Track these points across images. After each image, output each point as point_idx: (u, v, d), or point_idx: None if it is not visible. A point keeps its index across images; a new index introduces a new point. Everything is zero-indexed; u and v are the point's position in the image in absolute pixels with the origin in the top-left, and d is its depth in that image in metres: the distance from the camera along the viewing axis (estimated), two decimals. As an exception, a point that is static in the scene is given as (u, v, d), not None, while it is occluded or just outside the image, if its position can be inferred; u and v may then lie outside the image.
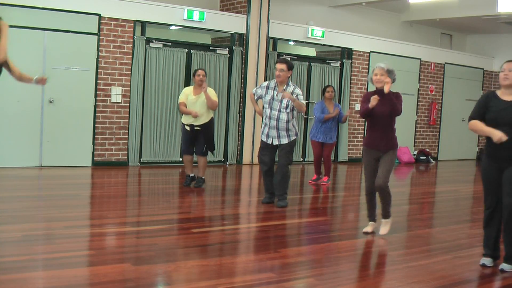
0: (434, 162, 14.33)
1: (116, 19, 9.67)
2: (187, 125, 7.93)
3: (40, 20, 8.98)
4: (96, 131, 9.65)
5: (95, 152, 9.68)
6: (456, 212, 7.62)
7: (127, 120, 9.92)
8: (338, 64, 12.67)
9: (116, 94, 9.78)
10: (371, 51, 13.09)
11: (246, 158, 11.37)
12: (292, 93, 6.89)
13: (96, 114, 9.63)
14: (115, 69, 9.73)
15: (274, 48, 11.73)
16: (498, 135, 4.41)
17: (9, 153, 8.92)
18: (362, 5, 13.05)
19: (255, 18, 11.11)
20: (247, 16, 11.04)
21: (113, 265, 4.32)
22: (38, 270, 4.20)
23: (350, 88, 12.82)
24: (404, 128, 13.28)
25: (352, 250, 5.32)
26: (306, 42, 12.23)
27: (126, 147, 9.99)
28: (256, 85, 11.10)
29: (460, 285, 4.36)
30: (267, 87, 7.08)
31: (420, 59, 14.11)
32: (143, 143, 10.18)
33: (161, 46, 10.20)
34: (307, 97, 12.16)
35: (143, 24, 10.02)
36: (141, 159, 10.19)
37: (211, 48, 11.00)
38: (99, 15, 9.49)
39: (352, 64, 12.84)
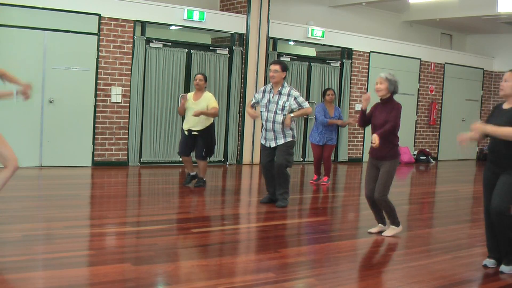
0: (434, 162, 14.33)
1: (116, 19, 9.67)
2: (186, 130, 7.95)
3: (40, 20, 8.98)
4: (96, 131, 9.65)
5: (95, 152, 9.69)
6: (456, 212, 7.62)
7: (127, 120, 9.92)
8: (338, 64, 12.66)
9: (116, 94, 9.78)
10: (371, 51, 13.09)
11: (246, 158, 11.37)
12: (289, 94, 6.88)
13: (96, 114, 9.63)
14: (115, 69, 9.74)
15: (274, 48, 11.73)
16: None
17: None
18: (362, 5, 13.06)
19: (255, 18, 11.11)
20: (247, 16, 11.04)
21: (113, 265, 4.32)
22: (38, 270, 4.20)
23: (350, 88, 12.81)
24: (404, 128, 13.22)
25: (352, 250, 5.32)
26: (306, 42, 12.23)
27: (126, 147, 9.99)
28: (256, 86, 11.14)
29: (460, 285, 4.36)
30: (264, 91, 7.10)
31: (420, 59, 14.11)
32: (143, 143, 10.18)
33: (161, 46, 10.20)
34: (307, 98, 12.15)
35: (143, 24, 10.02)
36: (141, 159, 10.19)
37: (211, 48, 11.00)
38: (99, 15, 9.49)
39: (352, 64, 12.83)
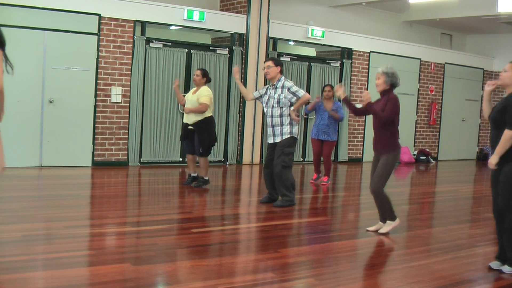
0: (434, 162, 14.33)
1: (116, 19, 9.67)
2: (184, 123, 8.00)
3: (40, 20, 8.99)
4: (96, 131, 9.65)
5: (95, 152, 9.69)
6: (456, 212, 7.62)
7: (127, 120, 9.92)
8: (338, 64, 12.67)
9: (116, 94, 9.78)
10: (371, 51, 13.09)
11: (246, 158, 11.36)
12: (282, 86, 6.91)
13: (96, 114, 9.63)
14: (115, 69, 9.74)
15: (274, 48, 11.73)
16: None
17: (9, 153, 8.83)
18: (362, 5, 13.06)
19: (255, 18, 11.11)
20: (247, 16, 11.04)
21: (113, 265, 4.32)
22: (38, 270, 4.20)
23: (350, 88, 12.81)
24: (404, 128, 13.27)
25: (352, 250, 5.32)
26: (306, 42, 12.23)
27: (126, 147, 9.99)
28: (256, 86, 11.15)
29: (460, 285, 4.36)
30: (267, 88, 7.14)
31: (420, 59, 14.12)
32: (143, 143, 10.18)
33: (161, 46, 10.20)
34: (307, 97, 12.14)
35: (143, 24, 10.02)
36: (141, 159, 10.19)
37: (211, 48, 11.00)
38: (99, 15, 9.49)
39: (352, 64, 12.84)
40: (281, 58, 11.69)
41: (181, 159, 10.50)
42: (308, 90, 12.20)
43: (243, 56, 11.13)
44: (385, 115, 5.55)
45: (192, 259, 4.69)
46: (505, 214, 4.45)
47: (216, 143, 8.27)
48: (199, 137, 7.82)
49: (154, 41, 10.15)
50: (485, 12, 12.38)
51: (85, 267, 4.33)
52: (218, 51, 10.94)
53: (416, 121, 14.29)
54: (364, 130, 13.15)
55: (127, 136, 9.96)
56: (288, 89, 6.89)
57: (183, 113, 8.52)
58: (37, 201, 6.86)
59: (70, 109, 9.41)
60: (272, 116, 6.95)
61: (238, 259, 4.82)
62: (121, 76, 9.80)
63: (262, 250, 5.12)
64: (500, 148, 4.44)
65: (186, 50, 10.55)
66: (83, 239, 5.16)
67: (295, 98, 6.89)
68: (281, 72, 7.04)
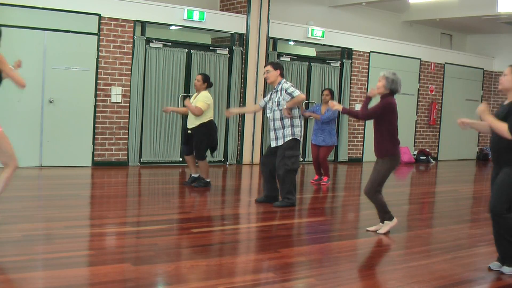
0: (434, 162, 14.33)
1: (116, 19, 9.67)
2: (186, 128, 8.04)
3: (40, 20, 8.99)
4: (96, 131, 9.65)
5: (95, 152, 9.69)
6: (456, 212, 7.62)
7: (127, 120, 9.92)
8: (338, 64, 12.67)
9: (116, 94, 9.78)
10: (371, 51, 13.09)
11: (246, 158, 11.37)
12: (281, 89, 6.90)
13: (96, 114, 9.63)
14: (115, 69, 9.74)
15: (274, 48, 11.73)
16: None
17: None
18: (362, 5, 13.06)
19: (255, 18, 11.11)
20: (247, 16, 11.04)
21: (113, 265, 4.32)
22: (38, 270, 4.20)
23: (350, 88, 12.82)
24: (404, 128, 13.27)
25: (352, 250, 5.32)
26: (306, 42, 12.23)
27: (126, 147, 9.99)
28: (256, 86, 11.16)
29: (460, 285, 4.36)
30: (270, 94, 7.16)
31: (420, 59, 14.12)
32: (143, 143, 10.18)
33: (161, 46, 10.20)
34: (307, 98, 12.16)
35: (143, 24, 10.02)
36: (141, 159, 10.19)
37: (211, 48, 11.00)
38: (99, 15, 9.49)
39: (352, 64, 12.84)
40: (281, 58, 11.70)
41: (181, 159, 10.49)
42: (308, 90, 12.21)
43: (243, 56, 11.13)
44: (366, 111, 5.62)
45: (192, 259, 4.68)
46: (494, 215, 4.42)
47: (217, 147, 8.27)
48: (195, 140, 7.85)
49: (154, 41, 10.15)
50: (485, 12, 12.38)
51: (85, 267, 4.33)
52: (218, 51, 10.94)
53: (416, 121, 14.29)
54: (364, 130, 13.15)
55: (127, 136, 9.96)
56: (285, 90, 6.87)
57: (183, 115, 8.55)
58: (37, 201, 6.86)
59: (70, 109, 9.41)
60: (273, 120, 6.94)
61: (238, 259, 4.82)
62: (121, 76, 9.80)
63: (262, 250, 5.12)
64: (494, 123, 4.38)
65: (186, 50, 10.55)
66: (83, 239, 5.16)
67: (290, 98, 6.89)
68: (281, 75, 7.01)
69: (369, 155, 11.77)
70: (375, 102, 5.74)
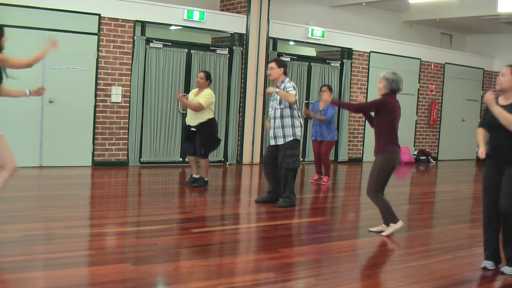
0: (434, 162, 14.33)
1: (116, 19, 9.67)
2: (187, 125, 7.98)
3: (40, 20, 8.98)
4: (96, 131, 9.65)
5: (95, 152, 9.69)
6: (456, 212, 7.62)
7: (127, 120, 9.92)
8: (338, 64, 12.67)
9: (116, 94, 9.78)
10: (371, 51, 13.09)
11: (246, 158, 11.36)
12: (284, 88, 6.88)
13: (96, 114, 9.63)
14: (115, 69, 9.74)
15: (274, 48, 11.73)
16: (480, 151, 4.62)
17: (9, 153, 8.91)
18: (362, 5, 13.05)
19: (255, 18, 11.11)
20: (247, 16, 11.04)
21: (113, 265, 4.32)
22: (38, 270, 4.20)
23: (350, 88, 12.82)
24: (404, 128, 13.27)
25: (352, 250, 5.32)
26: (306, 42, 12.23)
27: (126, 147, 9.99)
28: (256, 86, 11.15)
29: (460, 285, 4.36)
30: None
31: (420, 59, 14.11)
32: (143, 143, 10.18)
33: (161, 46, 10.20)
34: (307, 97, 12.16)
35: (143, 24, 10.02)
36: (141, 159, 10.19)
37: (211, 48, 11.00)
38: (99, 15, 9.49)
39: (352, 64, 12.84)
40: (281, 58, 11.69)
41: (181, 159, 10.49)
42: (308, 90, 12.22)
43: (243, 56, 11.13)
44: (356, 105, 5.78)
45: (192, 259, 4.69)
46: (507, 214, 4.42)
47: (219, 144, 8.31)
48: (200, 138, 7.84)
49: (154, 41, 10.14)
50: (485, 12, 12.38)
51: (85, 267, 4.33)
52: (218, 51, 10.94)
53: (416, 121, 14.29)
54: (364, 130, 13.14)
55: (127, 136, 9.96)
56: (286, 88, 6.88)
57: (183, 114, 8.53)
58: (37, 201, 6.86)
59: (70, 109, 9.41)
60: (274, 118, 6.95)
61: (238, 259, 4.82)
62: (121, 76, 9.80)
63: (262, 250, 5.12)
64: (503, 115, 4.35)
65: (186, 50, 10.55)
66: (83, 239, 5.16)
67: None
68: (285, 73, 7.00)
69: (369, 155, 11.76)
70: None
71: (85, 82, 9.49)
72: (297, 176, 10.34)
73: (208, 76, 7.99)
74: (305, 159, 12.29)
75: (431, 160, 14.21)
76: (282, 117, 6.88)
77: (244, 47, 11.13)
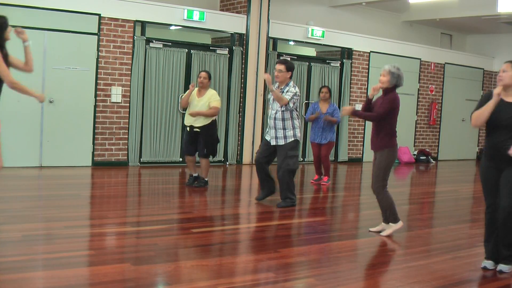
0: (434, 162, 14.33)
1: (116, 19, 9.67)
2: (188, 126, 7.94)
3: (40, 20, 8.98)
4: (96, 131, 9.65)
5: (95, 152, 9.69)
6: (456, 212, 7.62)
7: (127, 120, 9.92)
8: (338, 64, 12.66)
9: (116, 94, 9.78)
10: (371, 51, 13.09)
11: (246, 158, 11.36)
12: (288, 91, 6.87)
13: (96, 114, 9.63)
14: (115, 69, 9.74)
15: (274, 48, 11.73)
16: (495, 92, 4.40)
17: (9, 153, 8.88)
18: (362, 5, 13.05)
19: (255, 18, 11.11)
20: (247, 16, 11.04)
21: (113, 265, 4.32)
22: (38, 270, 4.20)
23: (350, 88, 12.81)
24: (404, 128, 13.28)
25: (352, 250, 5.32)
26: (306, 42, 12.23)
27: (126, 147, 9.99)
28: (256, 86, 11.15)
29: (460, 285, 4.36)
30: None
31: (420, 59, 14.11)
32: (143, 143, 10.18)
33: (161, 46, 10.20)
34: (307, 97, 12.16)
35: (143, 24, 10.02)
36: (141, 159, 10.19)
37: (211, 48, 11.00)
38: (99, 15, 9.49)
39: (352, 64, 12.84)
40: (281, 58, 11.69)
41: (181, 159, 10.49)
42: (308, 90, 12.21)
43: (243, 56, 11.13)
44: (375, 115, 5.57)
45: (192, 259, 4.69)
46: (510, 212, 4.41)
47: (219, 144, 8.34)
48: (205, 139, 7.84)
49: (154, 41, 10.14)
50: (485, 12, 12.37)
51: (85, 267, 4.33)
52: (218, 51, 10.94)
53: (416, 121, 14.29)
54: (364, 130, 13.14)
55: (127, 136, 9.96)
56: (288, 91, 6.87)
57: (183, 114, 8.49)
58: (37, 201, 6.86)
59: (70, 109, 9.41)
60: (275, 119, 6.94)
61: (238, 259, 4.82)
62: (121, 76, 9.80)
63: (262, 250, 5.12)
64: None
65: (186, 50, 10.55)
66: (83, 239, 5.16)
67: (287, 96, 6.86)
68: (290, 77, 7.00)
69: (369, 155, 11.75)
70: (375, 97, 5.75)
71: (85, 82, 9.49)
72: (297, 176, 10.40)
73: (210, 76, 8.03)
74: (305, 159, 12.29)
75: (431, 160, 14.20)
76: (283, 119, 6.89)
77: (244, 47, 11.13)
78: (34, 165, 9.20)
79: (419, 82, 14.21)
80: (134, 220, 6.13)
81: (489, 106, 4.46)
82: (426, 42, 14.84)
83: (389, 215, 5.76)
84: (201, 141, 7.87)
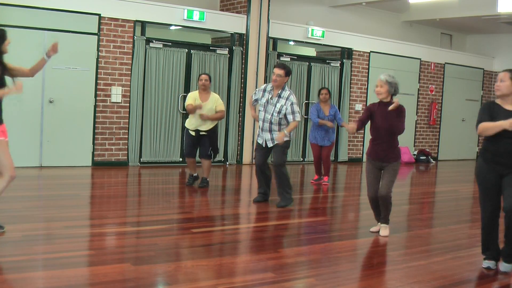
0: (434, 162, 14.33)
1: (116, 19, 9.67)
2: (192, 130, 7.93)
3: (40, 20, 8.98)
4: (96, 131, 9.65)
5: (95, 152, 9.69)
6: (456, 212, 7.62)
7: (127, 120, 9.92)
8: (338, 64, 12.66)
9: (116, 94, 9.78)
10: (371, 51, 13.09)
11: (246, 158, 11.37)
12: (287, 98, 6.86)
13: (96, 114, 9.63)
14: (115, 69, 9.74)
15: (274, 48, 11.73)
16: (507, 122, 4.31)
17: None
18: (362, 5, 13.06)
19: (255, 18, 11.11)
20: (247, 16, 11.04)
21: (113, 265, 4.32)
22: (38, 270, 4.20)
23: (350, 88, 12.81)
24: (404, 128, 13.25)
25: (352, 250, 5.32)
26: (306, 42, 12.23)
27: (126, 147, 9.99)
28: (256, 86, 11.13)
29: (460, 285, 4.36)
30: (264, 90, 7.10)
31: (420, 59, 14.12)
32: (143, 143, 10.18)
33: (161, 46, 10.20)
34: (307, 97, 12.16)
35: (143, 24, 10.02)
36: (141, 159, 10.19)
37: (211, 48, 11.00)
38: (99, 15, 9.49)
39: (352, 64, 12.83)
40: (281, 58, 11.71)
41: (181, 159, 10.49)
42: (308, 91, 12.21)
43: (243, 56, 11.13)
44: (401, 128, 5.63)
45: (192, 259, 4.69)
46: None
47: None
48: (211, 140, 7.98)
49: (154, 41, 10.14)
50: (485, 12, 12.37)
51: (85, 267, 4.33)
52: (218, 51, 10.94)
53: (416, 121, 14.29)
54: (364, 130, 13.12)
55: (127, 136, 9.96)
56: (292, 104, 6.85)
57: (183, 114, 8.49)
58: (37, 201, 6.86)
59: (70, 109, 9.41)
60: (270, 123, 6.94)
61: (238, 259, 4.83)
62: (121, 76, 9.80)
63: (262, 250, 5.12)
64: None
65: (186, 50, 10.55)
66: (83, 239, 5.16)
67: (291, 117, 6.84)
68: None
69: (369, 155, 11.75)
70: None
71: (85, 82, 9.49)
72: (297, 176, 10.42)
73: (210, 78, 8.10)
74: (305, 159, 12.29)
75: (431, 160, 14.21)
76: (279, 124, 6.92)
77: (244, 47, 11.13)
78: (34, 165, 9.20)
79: (419, 82, 14.21)
80: (134, 220, 6.13)
81: (499, 127, 4.41)
82: (426, 42, 14.84)
83: (387, 217, 5.78)
84: (205, 143, 7.92)
